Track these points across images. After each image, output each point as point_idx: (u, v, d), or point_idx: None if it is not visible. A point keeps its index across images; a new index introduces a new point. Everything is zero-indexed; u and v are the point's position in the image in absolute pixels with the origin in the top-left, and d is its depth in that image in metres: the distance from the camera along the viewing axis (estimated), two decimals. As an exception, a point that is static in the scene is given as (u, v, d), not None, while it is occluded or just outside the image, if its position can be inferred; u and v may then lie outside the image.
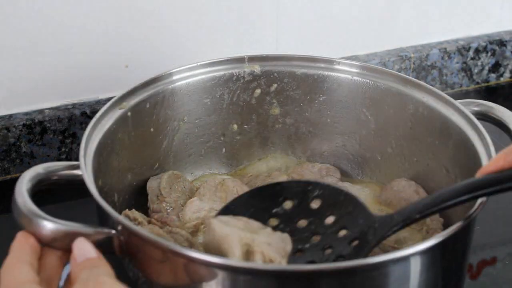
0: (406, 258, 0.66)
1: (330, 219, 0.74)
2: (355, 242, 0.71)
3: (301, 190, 0.77)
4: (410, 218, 0.69)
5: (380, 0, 1.23)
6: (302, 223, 0.76)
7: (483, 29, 1.34)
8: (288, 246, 0.71)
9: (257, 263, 0.67)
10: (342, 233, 0.73)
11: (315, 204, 0.76)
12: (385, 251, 0.78)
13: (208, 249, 0.73)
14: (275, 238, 0.72)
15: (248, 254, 0.69)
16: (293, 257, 0.72)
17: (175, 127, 0.93)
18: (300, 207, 0.77)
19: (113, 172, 0.84)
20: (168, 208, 0.87)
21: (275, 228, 0.75)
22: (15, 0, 1.00)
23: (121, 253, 0.69)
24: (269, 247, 0.69)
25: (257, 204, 0.77)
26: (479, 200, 0.71)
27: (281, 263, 0.68)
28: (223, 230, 0.71)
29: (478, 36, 1.34)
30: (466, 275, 0.78)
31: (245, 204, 0.77)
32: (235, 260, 0.68)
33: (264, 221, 0.76)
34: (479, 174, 0.68)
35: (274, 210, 0.77)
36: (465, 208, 0.73)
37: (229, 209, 0.77)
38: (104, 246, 0.68)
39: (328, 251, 0.72)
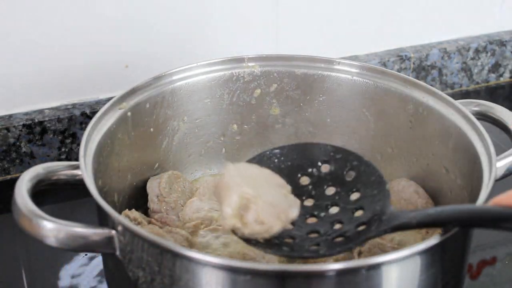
0: (406, 259, 0.66)
1: (355, 195, 0.75)
2: (362, 227, 0.71)
3: (342, 157, 0.77)
4: (410, 224, 0.67)
5: (380, 0, 1.24)
6: (330, 190, 0.76)
7: (483, 29, 1.34)
8: (294, 213, 0.72)
9: (257, 264, 0.67)
10: (358, 213, 0.73)
11: (348, 176, 0.76)
12: (385, 251, 0.78)
13: (216, 189, 0.73)
14: (284, 201, 0.72)
15: (245, 208, 0.69)
16: (301, 221, 0.72)
17: (175, 127, 0.93)
18: (335, 173, 0.77)
19: (113, 172, 0.84)
20: (168, 208, 0.87)
21: (303, 188, 0.76)
22: (14, 0, 1.00)
23: (121, 253, 0.69)
24: (268, 208, 0.69)
25: (296, 158, 0.78)
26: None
27: (271, 228, 0.69)
28: (230, 179, 0.71)
29: (478, 36, 1.34)
30: (466, 275, 0.78)
31: (284, 155, 0.78)
32: (235, 260, 0.67)
33: (295, 177, 0.76)
34: (494, 203, 0.63)
35: (310, 170, 0.77)
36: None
37: (266, 156, 0.78)
38: (104, 246, 0.68)
39: (337, 226, 0.72)
